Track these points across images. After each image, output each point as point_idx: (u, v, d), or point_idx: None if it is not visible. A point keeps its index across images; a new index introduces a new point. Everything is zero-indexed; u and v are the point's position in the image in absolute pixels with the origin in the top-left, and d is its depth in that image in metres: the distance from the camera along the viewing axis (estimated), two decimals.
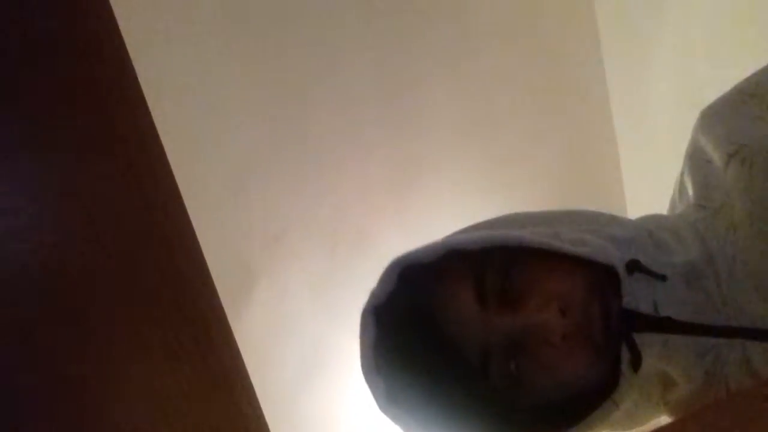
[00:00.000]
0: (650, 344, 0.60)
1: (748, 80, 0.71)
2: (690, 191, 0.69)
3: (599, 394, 0.61)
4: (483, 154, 1.69)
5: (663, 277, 0.60)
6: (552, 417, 0.62)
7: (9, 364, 0.59)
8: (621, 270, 0.60)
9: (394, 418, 0.63)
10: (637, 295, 0.60)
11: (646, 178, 1.79)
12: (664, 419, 0.66)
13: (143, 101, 0.72)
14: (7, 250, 0.62)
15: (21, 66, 0.61)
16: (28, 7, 0.61)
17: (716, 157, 0.66)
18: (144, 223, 0.65)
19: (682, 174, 0.72)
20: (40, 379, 0.62)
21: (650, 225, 0.68)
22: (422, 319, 0.62)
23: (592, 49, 1.82)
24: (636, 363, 0.59)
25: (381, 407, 0.63)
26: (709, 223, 0.65)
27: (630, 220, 0.69)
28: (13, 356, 0.60)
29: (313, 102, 1.49)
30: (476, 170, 1.67)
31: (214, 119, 1.37)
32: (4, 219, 0.64)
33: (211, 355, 0.67)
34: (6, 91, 0.60)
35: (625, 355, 0.59)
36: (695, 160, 0.69)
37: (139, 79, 0.84)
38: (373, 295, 0.63)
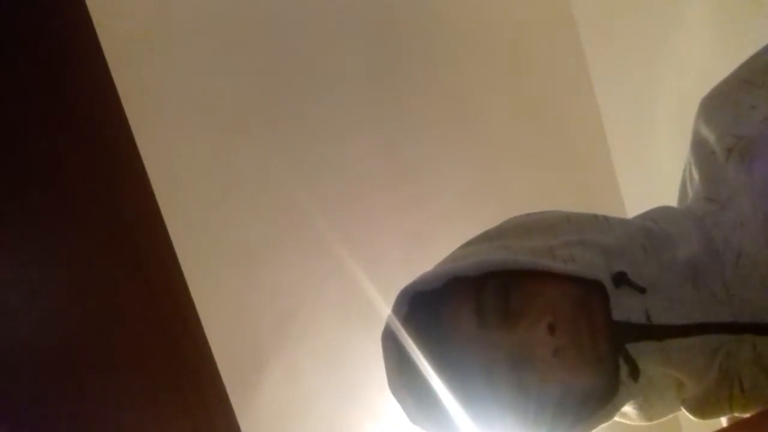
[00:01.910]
0: (647, 352, 0.61)
1: (745, 66, 0.72)
2: (698, 182, 0.70)
3: (604, 397, 0.63)
4: (491, 220, 1.69)
5: (642, 290, 0.62)
6: (560, 417, 0.64)
7: None
8: (608, 284, 0.62)
9: (425, 428, 0.68)
10: (628, 307, 0.62)
11: None
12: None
13: (148, 185, 0.72)
14: (17, 343, 0.61)
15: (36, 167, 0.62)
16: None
17: (717, 150, 0.68)
18: (152, 322, 0.65)
19: (689, 163, 0.73)
20: None
21: (653, 221, 0.69)
22: (434, 339, 0.66)
23: (593, 115, 1.85)
24: (633, 373, 0.61)
25: (412, 420, 0.68)
26: (716, 218, 0.66)
27: (627, 222, 0.70)
28: None
29: (320, 180, 1.50)
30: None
31: (221, 201, 1.38)
32: (12, 314, 0.63)
33: None
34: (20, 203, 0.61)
35: (623, 366, 0.61)
36: (700, 151, 0.70)
37: (146, 161, 0.85)
38: (390, 320, 0.69)
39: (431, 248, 1.59)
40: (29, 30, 0.63)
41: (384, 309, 1.58)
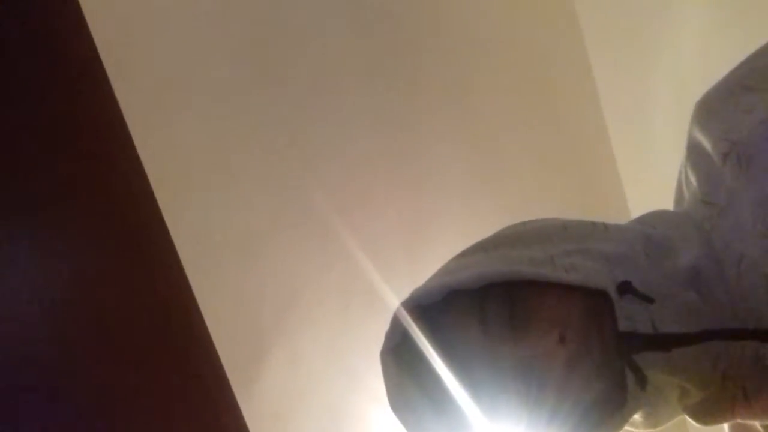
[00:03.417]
0: (654, 361, 0.61)
1: (740, 68, 0.70)
2: (694, 184, 0.69)
3: (612, 407, 0.62)
4: (492, 207, 1.69)
5: (651, 300, 0.61)
6: (571, 429, 0.64)
7: None
8: (613, 294, 0.61)
9: None
10: (634, 316, 0.61)
11: None
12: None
13: (144, 174, 0.72)
14: (19, 330, 0.61)
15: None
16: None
17: (713, 154, 0.66)
18: (152, 310, 0.65)
19: (684, 165, 0.72)
20: None
21: (651, 226, 0.68)
22: (436, 353, 0.65)
23: (592, 101, 1.85)
24: (641, 382, 0.61)
25: None
26: (715, 222, 0.65)
27: (626, 229, 0.69)
28: None
29: (320, 166, 1.49)
30: (486, 224, 1.66)
31: (221, 187, 1.37)
32: (13, 304, 0.63)
33: None
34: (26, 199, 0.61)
35: (630, 375, 0.60)
36: (696, 153, 0.69)
37: (146, 148, 0.85)
38: (388, 336, 0.67)
39: (432, 234, 1.59)
40: (19, 18, 0.63)
41: (386, 294, 1.59)
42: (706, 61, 1.47)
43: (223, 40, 1.39)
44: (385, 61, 1.59)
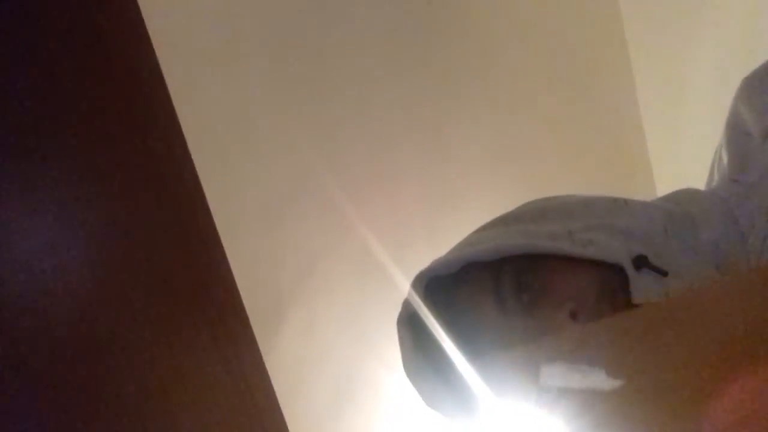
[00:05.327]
0: None
1: None
2: (726, 164, 0.69)
3: None
4: (512, 180, 1.69)
5: (665, 273, 0.61)
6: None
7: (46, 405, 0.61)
8: (628, 268, 0.61)
9: (441, 413, 0.68)
10: (648, 290, 0.61)
11: None
12: None
13: (182, 137, 0.75)
14: (46, 284, 0.64)
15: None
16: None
17: (754, 130, 0.66)
18: (181, 256, 0.68)
19: (720, 146, 0.71)
20: (83, 410, 0.65)
21: (675, 203, 0.68)
22: (451, 324, 0.66)
23: (624, 73, 1.82)
24: None
25: (428, 404, 0.68)
26: (742, 199, 0.64)
27: (647, 205, 0.69)
28: (51, 396, 0.62)
29: (344, 134, 1.51)
30: (506, 197, 1.67)
31: (247, 154, 1.39)
32: (45, 256, 0.66)
33: (245, 391, 0.68)
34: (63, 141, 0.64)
35: None
36: (734, 131, 0.69)
37: (179, 114, 0.88)
38: (405, 305, 0.68)
39: (453, 207, 1.61)
40: None
41: (403, 260, 1.60)
42: (748, 42, 1.43)
43: (253, 8, 1.40)
44: (411, 35, 1.59)
